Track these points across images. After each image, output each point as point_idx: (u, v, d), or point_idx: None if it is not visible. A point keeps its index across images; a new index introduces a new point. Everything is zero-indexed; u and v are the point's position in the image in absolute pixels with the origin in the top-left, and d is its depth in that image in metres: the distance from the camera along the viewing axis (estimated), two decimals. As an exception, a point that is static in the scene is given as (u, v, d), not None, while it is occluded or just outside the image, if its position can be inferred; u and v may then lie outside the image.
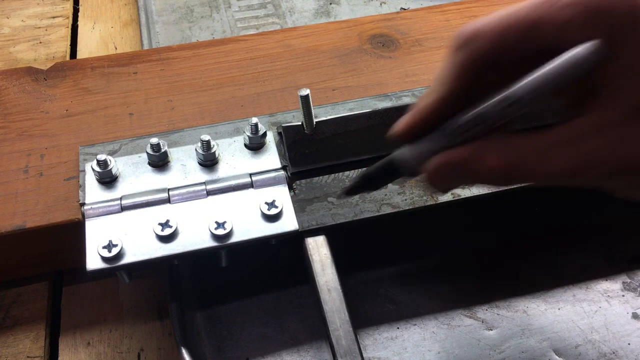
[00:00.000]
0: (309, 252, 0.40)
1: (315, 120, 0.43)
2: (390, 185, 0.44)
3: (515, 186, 0.31)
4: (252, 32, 0.67)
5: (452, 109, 0.31)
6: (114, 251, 0.38)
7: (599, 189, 0.30)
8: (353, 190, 0.36)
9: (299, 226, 0.40)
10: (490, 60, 0.30)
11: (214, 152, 0.43)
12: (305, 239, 0.41)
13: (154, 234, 0.39)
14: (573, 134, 0.29)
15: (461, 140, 0.30)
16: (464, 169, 0.30)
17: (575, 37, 0.28)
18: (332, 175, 0.44)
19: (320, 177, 0.44)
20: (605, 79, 0.28)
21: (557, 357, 0.41)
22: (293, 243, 0.41)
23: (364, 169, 0.35)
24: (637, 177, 0.29)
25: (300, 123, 0.44)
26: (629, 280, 0.45)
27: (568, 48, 0.28)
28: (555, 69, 0.28)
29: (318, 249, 0.40)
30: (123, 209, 0.41)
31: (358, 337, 0.37)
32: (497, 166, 0.30)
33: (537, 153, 0.29)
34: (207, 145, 0.43)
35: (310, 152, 0.44)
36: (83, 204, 0.41)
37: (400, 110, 0.44)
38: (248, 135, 0.44)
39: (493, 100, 0.30)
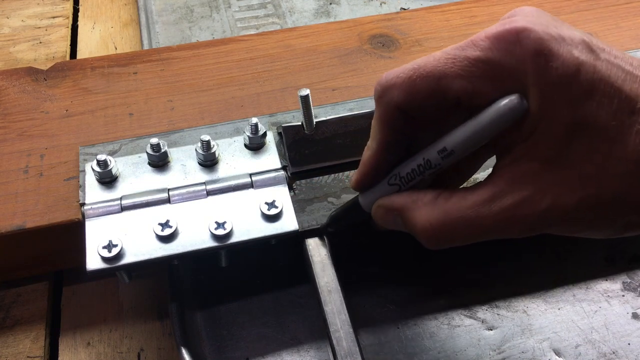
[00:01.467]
0: (309, 253, 0.40)
1: (315, 120, 0.43)
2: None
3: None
4: (252, 32, 0.67)
5: (392, 156, 0.33)
6: (114, 251, 0.38)
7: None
8: (323, 228, 0.41)
9: (299, 226, 0.40)
10: (406, 110, 0.31)
11: (214, 152, 0.43)
12: (306, 240, 0.41)
13: (154, 234, 0.39)
14: (495, 191, 0.29)
15: (403, 189, 0.33)
16: (397, 216, 0.33)
17: (485, 92, 0.29)
18: (332, 175, 0.44)
19: (320, 177, 0.44)
20: (518, 133, 0.29)
21: (557, 357, 0.41)
22: (293, 243, 0.41)
23: (333, 209, 0.40)
24: (574, 223, 0.29)
25: (300, 123, 0.44)
26: (629, 280, 0.45)
27: (481, 101, 0.29)
28: (482, 122, 0.29)
29: (318, 249, 0.40)
30: (123, 209, 0.41)
31: (358, 337, 0.37)
32: (424, 225, 0.31)
33: (462, 214, 0.30)
34: (207, 146, 0.43)
35: (310, 152, 0.44)
36: (83, 204, 0.41)
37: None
38: (248, 136, 0.44)
39: (423, 155, 0.32)
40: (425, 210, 0.31)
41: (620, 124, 0.27)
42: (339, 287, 0.39)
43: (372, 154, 0.34)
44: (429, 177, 0.33)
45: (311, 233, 0.41)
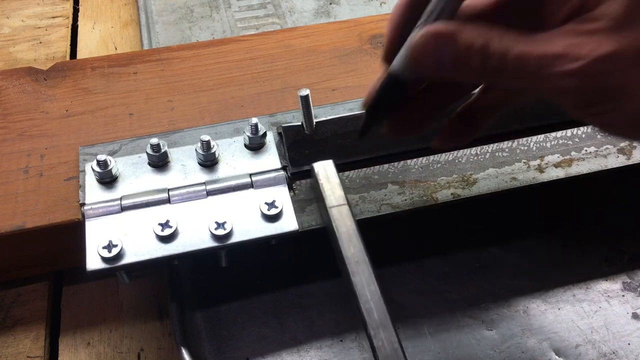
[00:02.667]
0: (334, 224, 0.39)
1: (315, 120, 0.43)
2: (390, 185, 0.44)
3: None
4: (252, 32, 0.67)
5: (417, 13, 0.32)
6: (114, 251, 0.38)
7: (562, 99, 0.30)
8: (365, 127, 0.37)
9: (299, 226, 0.40)
10: None
11: (214, 152, 0.43)
12: (330, 210, 0.39)
13: (154, 234, 0.39)
14: (563, 32, 0.29)
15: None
16: (444, 40, 0.30)
17: None
18: (332, 175, 0.44)
19: (320, 177, 0.44)
20: None
21: (557, 357, 0.41)
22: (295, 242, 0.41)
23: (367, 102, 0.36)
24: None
25: (300, 123, 0.44)
26: (629, 280, 0.45)
27: None
28: None
29: (343, 219, 0.39)
30: (123, 209, 0.41)
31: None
32: (474, 39, 0.29)
33: (512, 37, 0.29)
34: (207, 146, 0.43)
35: (310, 153, 0.44)
36: (83, 204, 0.41)
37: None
38: (248, 136, 0.44)
39: None
40: (473, 28, 0.30)
41: None
42: (367, 258, 0.37)
43: (400, 7, 0.33)
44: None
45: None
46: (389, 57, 0.34)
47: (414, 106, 0.37)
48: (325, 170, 0.41)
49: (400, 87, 0.34)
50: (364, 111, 0.37)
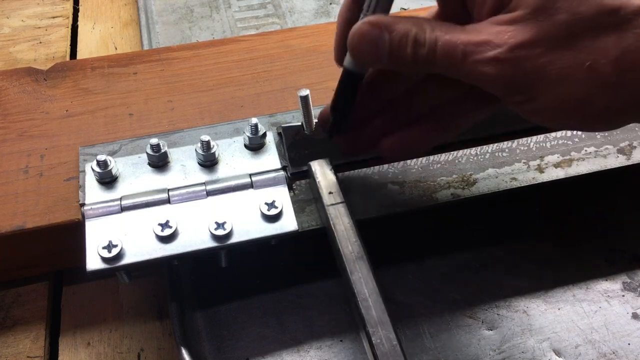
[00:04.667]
0: (331, 222, 0.39)
1: (315, 120, 0.43)
2: (390, 185, 0.44)
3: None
4: (252, 33, 0.67)
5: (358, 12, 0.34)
6: (114, 251, 0.38)
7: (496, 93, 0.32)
8: (333, 125, 0.39)
9: (299, 226, 0.40)
10: None
11: (214, 152, 0.43)
12: (328, 208, 0.40)
13: (154, 235, 0.39)
14: (486, 22, 0.31)
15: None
16: (379, 31, 0.32)
17: None
18: (332, 175, 0.44)
19: (320, 177, 0.44)
20: None
21: (557, 357, 0.41)
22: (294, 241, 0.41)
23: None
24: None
25: (300, 123, 0.44)
26: (629, 280, 0.45)
27: None
28: None
29: (341, 218, 0.39)
30: (123, 209, 0.41)
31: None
32: (407, 29, 0.31)
33: (442, 28, 0.31)
34: (207, 146, 0.43)
35: (310, 153, 0.44)
36: (83, 205, 0.41)
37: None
38: (248, 136, 0.44)
39: None
40: (406, 21, 0.32)
41: None
42: (365, 255, 0.37)
43: (344, 7, 0.35)
44: None
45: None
46: (339, 57, 0.37)
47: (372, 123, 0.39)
48: (321, 169, 0.41)
49: (354, 80, 0.36)
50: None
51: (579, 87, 0.29)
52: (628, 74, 0.28)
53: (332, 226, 0.39)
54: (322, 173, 0.41)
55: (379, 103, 0.39)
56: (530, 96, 0.31)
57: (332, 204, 0.40)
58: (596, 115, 0.30)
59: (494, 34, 0.30)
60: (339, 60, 0.37)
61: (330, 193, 0.40)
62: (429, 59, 0.31)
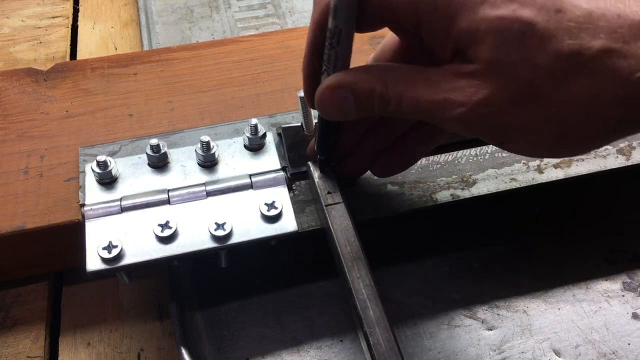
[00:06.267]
0: (330, 222, 0.39)
1: (314, 121, 0.43)
2: (389, 186, 0.44)
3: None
4: (252, 33, 0.67)
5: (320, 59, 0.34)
6: (114, 252, 0.38)
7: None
8: (322, 164, 0.41)
9: (298, 227, 0.40)
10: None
11: (214, 153, 0.43)
12: (327, 208, 0.40)
13: (154, 235, 0.39)
14: (448, 73, 0.30)
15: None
16: (342, 93, 0.32)
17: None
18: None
19: (320, 177, 0.44)
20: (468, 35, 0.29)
21: (557, 357, 0.41)
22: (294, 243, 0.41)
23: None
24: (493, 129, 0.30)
25: (299, 124, 0.44)
26: (629, 280, 0.45)
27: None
28: None
29: (340, 218, 0.39)
30: (123, 210, 0.41)
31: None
32: (370, 87, 0.31)
33: (405, 80, 0.31)
34: (206, 146, 0.43)
35: (309, 153, 0.44)
36: (83, 205, 0.41)
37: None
38: (248, 136, 0.44)
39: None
40: (367, 73, 0.32)
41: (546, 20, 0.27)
42: (363, 256, 0.37)
43: (305, 59, 0.35)
44: (341, 47, 0.32)
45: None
46: (312, 105, 0.36)
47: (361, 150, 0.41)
48: (321, 169, 0.41)
49: (332, 127, 0.38)
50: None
51: (547, 135, 0.29)
52: (598, 113, 0.27)
53: (331, 226, 0.39)
54: (321, 174, 0.41)
55: (359, 135, 0.40)
56: (502, 141, 0.31)
57: (331, 204, 0.40)
58: (569, 149, 0.30)
59: (456, 90, 0.29)
60: (313, 106, 0.37)
61: (329, 193, 0.40)
62: (397, 113, 0.32)
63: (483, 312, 0.44)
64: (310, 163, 0.42)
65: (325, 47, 0.32)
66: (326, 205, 0.39)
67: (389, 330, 0.34)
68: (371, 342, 0.33)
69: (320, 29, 0.33)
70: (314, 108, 0.36)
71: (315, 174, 0.41)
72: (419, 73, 0.31)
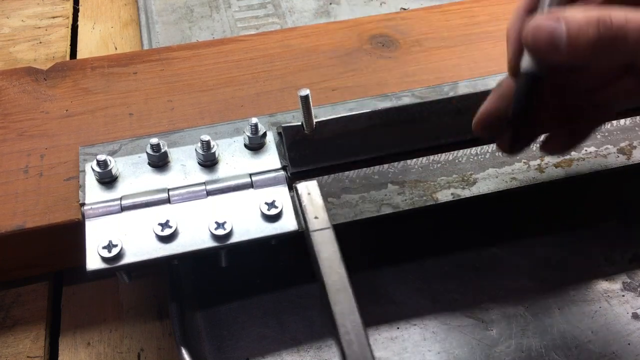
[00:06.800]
0: (315, 249, 0.37)
1: (315, 120, 0.43)
2: (390, 185, 0.44)
3: None
4: (252, 32, 0.67)
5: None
6: (114, 251, 0.38)
7: None
8: (516, 137, 0.37)
9: (298, 226, 0.40)
10: None
11: (214, 152, 0.43)
12: (312, 234, 0.38)
13: (154, 234, 0.39)
14: None
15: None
16: (554, 22, 0.31)
17: None
18: (332, 175, 0.44)
19: (320, 177, 0.44)
20: None
21: (557, 357, 0.41)
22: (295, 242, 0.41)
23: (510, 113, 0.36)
24: None
25: (300, 123, 0.44)
26: (629, 280, 0.45)
27: None
28: None
29: (326, 245, 0.38)
30: (123, 209, 0.41)
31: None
32: (584, 16, 0.30)
33: (626, 8, 0.30)
34: (207, 146, 0.43)
35: (310, 153, 0.44)
36: (83, 204, 0.41)
37: (401, 110, 0.45)
38: (248, 136, 0.44)
39: None
40: (585, 10, 0.30)
41: None
42: (349, 286, 0.36)
43: (514, 18, 0.34)
44: None
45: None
46: (514, 70, 0.35)
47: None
48: (308, 191, 0.40)
49: (536, 83, 0.35)
50: (508, 123, 0.37)
51: None
52: None
53: (317, 253, 0.37)
54: (308, 196, 0.40)
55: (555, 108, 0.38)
56: None
57: (317, 230, 0.38)
58: None
59: None
60: (515, 70, 0.36)
61: (316, 218, 0.39)
62: (618, 41, 0.30)
63: (483, 312, 0.44)
64: (297, 185, 0.40)
65: None
66: (312, 231, 0.38)
67: None
68: None
69: None
70: (515, 75, 0.35)
71: (303, 196, 0.40)
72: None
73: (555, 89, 0.37)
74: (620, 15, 0.30)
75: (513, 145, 0.38)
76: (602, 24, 0.30)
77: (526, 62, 0.34)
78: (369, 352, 0.33)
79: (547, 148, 0.40)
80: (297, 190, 0.40)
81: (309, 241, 0.38)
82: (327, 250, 0.37)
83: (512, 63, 0.36)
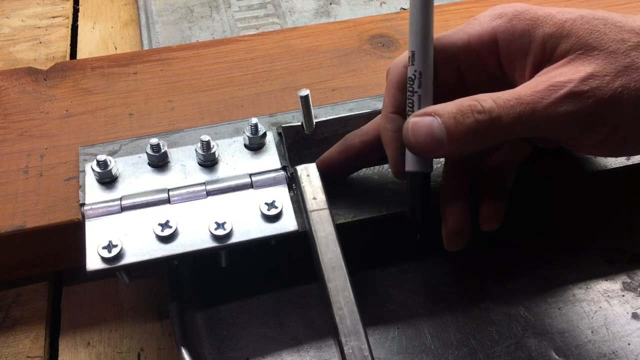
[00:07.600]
0: (313, 228, 0.39)
1: (315, 120, 0.43)
2: (390, 186, 0.44)
3: None
4: (252, 32, 0.67)
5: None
6: (114, 251, 0.38)
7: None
8: (421, 232, 0.40)
9: (298, 227, 0.40)
10: None
11: (214, 152, 0.43)
12: (310, 214, 0.39)
13: (154, 235, 0.39)
14: (542, 74, 0.32)
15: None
16: (429, 117, 0.32)
17: None
18: (332, 175, 0.44)
19: (320, 177, 0.44)
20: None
21: (557, 357, 0.41)
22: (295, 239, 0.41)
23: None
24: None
25: (300, 123, 0.44)
26: (629, 280, 0.45)
27: None
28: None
29: (323, 224, 0.39)
30: (123, 209, 0.41)
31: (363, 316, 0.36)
32: (458, 107, 0.32)
33: (492, 95, 0.32)
34: (207, 146, 0.43)
35: (310, 153, 0.44)
36: (83, 205, 0.41)
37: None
38: (248, 136, 0.44)
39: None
40: (456, 103, 0.32)
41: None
42: (344, 264, 0.37)
43: (384, 122, 0.36)
44: (422, 90, 0.34)
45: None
46: (399, 173, 0.37)
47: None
48: (307, 173, 0.41)
49: (426, 180, 0.37)
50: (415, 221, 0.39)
51: None
52: None
53: (314, 232, 0.38)
54: (307, 177, 0.41)
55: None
56: (614, 126, 0.30)
57: (315, 210, 0.39)
58: None
59: (556, 77, 0.30)
60: (401, 172, 0.37)
61: (314, 199, 0.40)
62: (492, 124, 0.31)
63: (483, 312, 0.44)
64: (297, 167, 0.41)
65: (407, 95, 0.34)
66: (310, 211, 0.39)
67: (364, 341, 0.34)
68: (345, 352, 0.33)
69: (397, 87, 0.35)
70: (402, 177, 0.37)
71: (303, 178, 0.41)
72: (505, 91, 0.32)
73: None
74: (487, 99, 0.31)
75: (419, 248, 0.41)
76: (474, 110, 0.31)
77: (411, 162, 0.36)
78: (362, 326, 0.34)
79: (485, 226, 0.42)
80: (296, 172, 0.41)
81: (307, 221, 0.39)
82: (324, 229, 0.38)
83: (396, 167, 0.37)
